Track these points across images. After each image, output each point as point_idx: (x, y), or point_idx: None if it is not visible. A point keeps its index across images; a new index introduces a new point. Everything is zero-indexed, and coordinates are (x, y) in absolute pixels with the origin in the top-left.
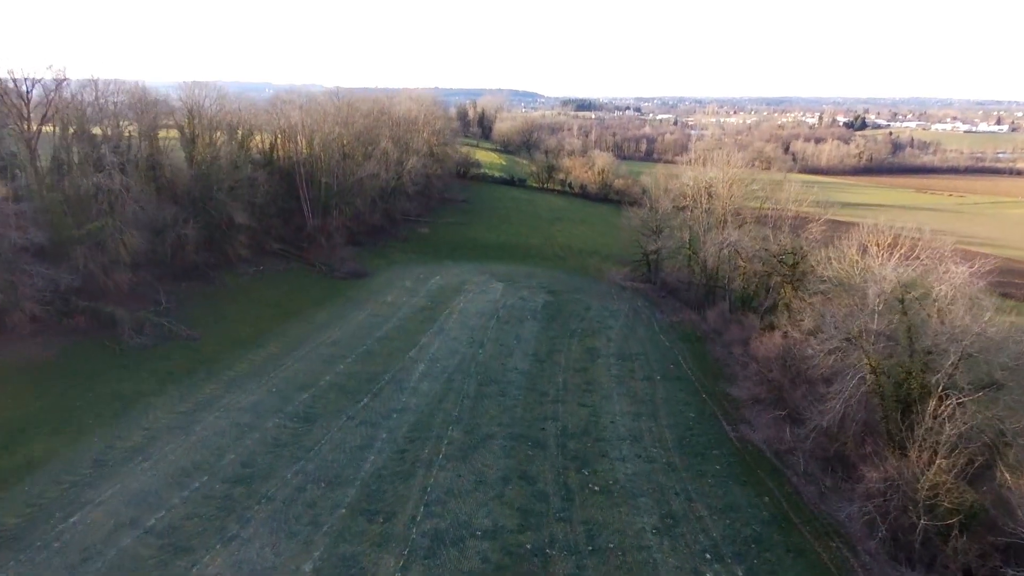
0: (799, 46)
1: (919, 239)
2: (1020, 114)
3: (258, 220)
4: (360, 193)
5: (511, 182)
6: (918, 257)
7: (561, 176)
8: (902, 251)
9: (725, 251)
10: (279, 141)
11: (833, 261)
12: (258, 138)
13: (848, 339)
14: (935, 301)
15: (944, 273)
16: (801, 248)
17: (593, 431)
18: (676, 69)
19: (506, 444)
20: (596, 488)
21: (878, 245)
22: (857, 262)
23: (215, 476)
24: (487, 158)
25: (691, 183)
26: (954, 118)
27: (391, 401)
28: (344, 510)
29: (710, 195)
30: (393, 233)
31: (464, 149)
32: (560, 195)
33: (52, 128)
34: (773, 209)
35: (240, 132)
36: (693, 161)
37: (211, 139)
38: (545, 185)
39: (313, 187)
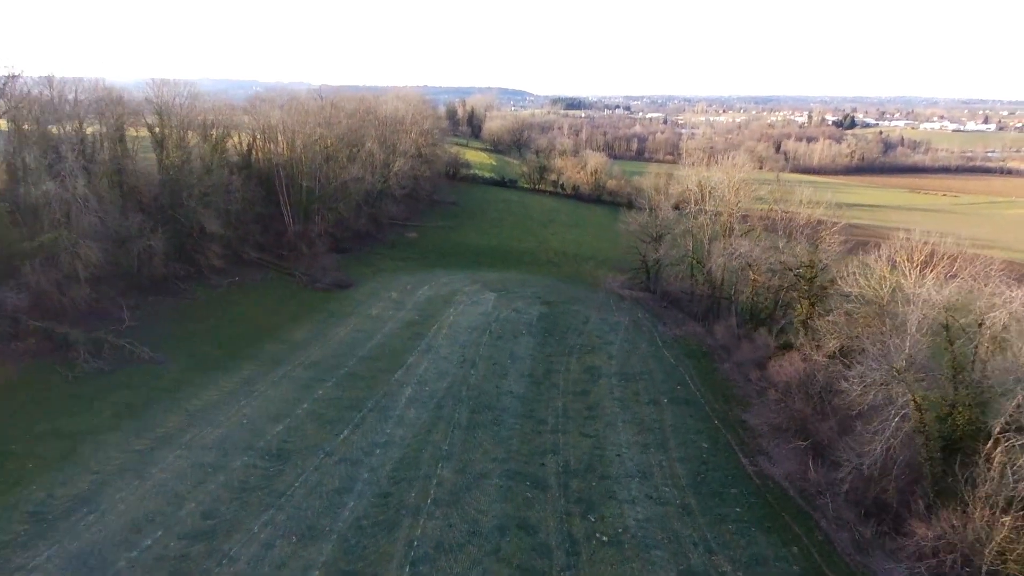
0: (786, 45)
1: (958, 254)
2: (1005, 113)
3: (234, 227)
4: (344, 197)
5: (502, 183)
6: (957, 275)
7: (553, 177)
8: (939, 267)
9: (735, 263)
10: (258, 143)
11: (858, 276)
12: (235, 139)
13: (892, 372)
14: (987, 328)
15: (994, 295)
16: (820, 260)
17: (598, 466)
18: (665, 68)
19: (502, 484)
20: (604, 539)
21: (910, 260)
22: (885, 278)
23: (170, 531)
24: (477, 158)
25: (694, 187)
26: (941, 117)
27: (374, 433)
28: (318, 573)
29: (714, 199)
30: (379, 239)
31: (453, 149)
32: (552, 196)
33: (6, 127)
34: (783, 214)
35: (215, 133)
36: (696, 163)
37: (181, 141)
38: (537, 186)
39: (294, 191)
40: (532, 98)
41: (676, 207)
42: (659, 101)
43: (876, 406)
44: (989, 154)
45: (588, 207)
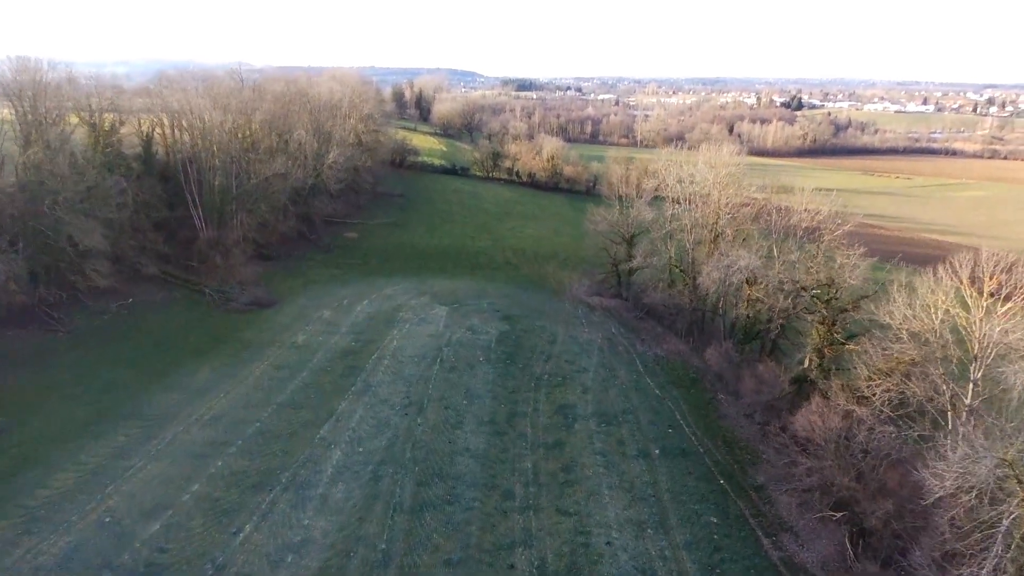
0: (732, 28)
1: None
2: (939, 94)
3: (129, 236)
4: (267, 195)
5: (453, 171)
6: None
7: (507, 164)
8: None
9: (733, 278)
10: (160, 133)
11: (899, 304)
12: (137, 128)
13: (1001, 465)
14: None
15: None
16: (841, 278)
17: (584, 565)
18: (614, 49)
19: None
20: None
21: (977, 290)
22: (945, 311)
23: None
24: (426, 143)
25: (672, 181)
26: (881, 98)
27: (287, 527)
28: None
29: (697, 196)
30: (313, 241)
31: (400, 134)
32: (507, 185)
33: None
34: (781, 212)
35: (105, 122)
36: (659, 147)
37: (42, 135)
38: (490, 174)
39: (205, 190)
40: (483, 79)
41: (652, 203)
42: (609, 83)
43: (973, 507)
44: (933, 135)
45: (546, 196)
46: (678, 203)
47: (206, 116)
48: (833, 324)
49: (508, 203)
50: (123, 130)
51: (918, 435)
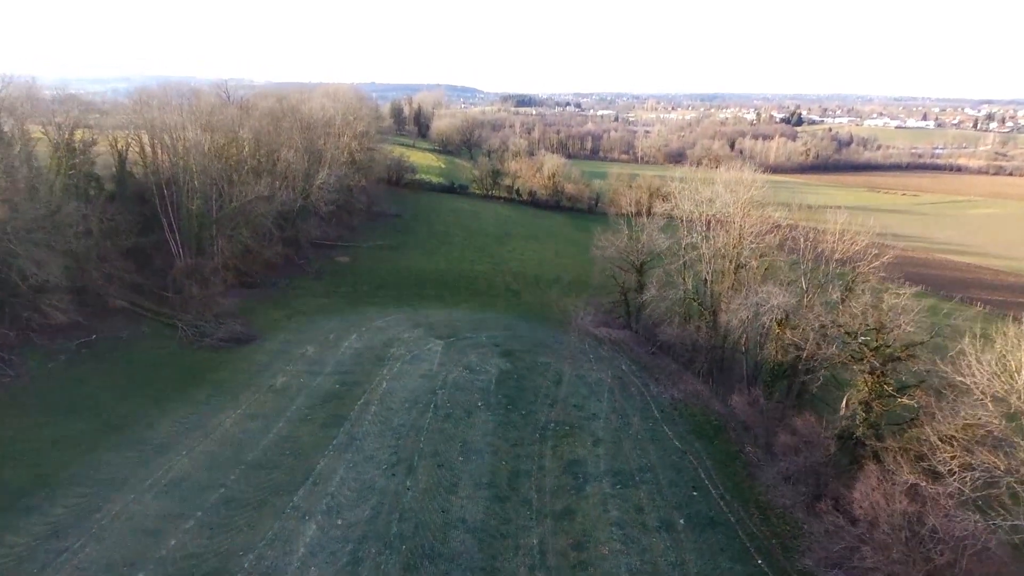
0: (730, 44)
1: None
2: (937, 109)
3: (97, 264)
4: (250, 219)
5: (452, 189)
6: None
7: (507, 182)
8: None
9: (764, 317)
10: (139, 152)
11: (972, 358)
12: (107, 148)
13: None
14: None
15: None
16: (894, 322)
17: None
18: (612, 65)
19: None
20: None
21: None
22: None
23: None
24: (424, 160)
25: (689, 206)
26: (880, 114)
27: None
28: None
29: (718, 224)
30: (301, 267)
31: (397, 151)
32: (507, 204)
33: None
34: (806, 240)
35: (76, 140)
36: (688, 169)
37: None
38: (490, 192)
39: (182, 214)
40: (482, 95)
41: (666, 223)
42: (608, 98)
43: None
44: (936, 151)
45: (547, 215)
46: (694, 229)
47: (186, 134)
48: (883, 375)
49: (508, 223)
50: (96, 149)
51: (1011, 525)
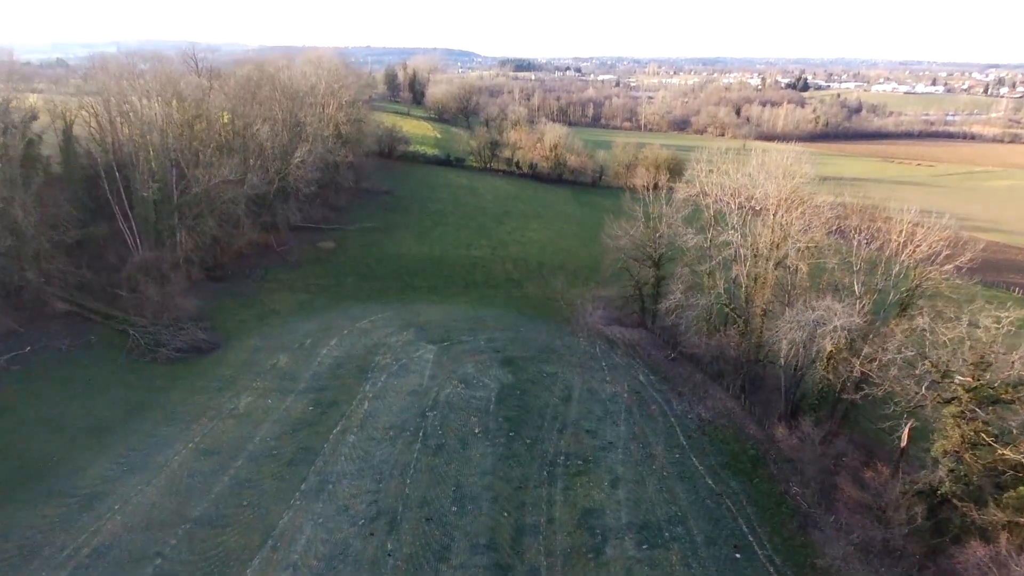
0: (731, 6)
1: None
2: (944, 74)
3: (30, 260)
4: (216, 206)
5: (448, 162)
6: None
7: (507, 153)
8: None
9: (825, 341)
10: (89, 127)
11: None
12: (51, 121)
13: None
14: None
15: None
16: (1005, 360)
17: None
18: (613, 28)
19: None
20: None
21: None
22: None
23: None
24: (419, 130)
25: (719, 193)
26: (887, 78)
27: None
28: None
29: (755, 213)
30: (279, 255)
31: (389, 120)
32: (506, 177)
33: None
34: (856, 233)
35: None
36: (716, 144)
37: None
38: (488, 165)
39: (137, 201)
40: (480, 59)
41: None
42: (608, 63)
43: None
44: (948, 118)
45: (549, 189)
46: (724, 221)
47: (142, 107)
48: (980, 420)
49: (508, 199)
50: (39, 123)
51: None
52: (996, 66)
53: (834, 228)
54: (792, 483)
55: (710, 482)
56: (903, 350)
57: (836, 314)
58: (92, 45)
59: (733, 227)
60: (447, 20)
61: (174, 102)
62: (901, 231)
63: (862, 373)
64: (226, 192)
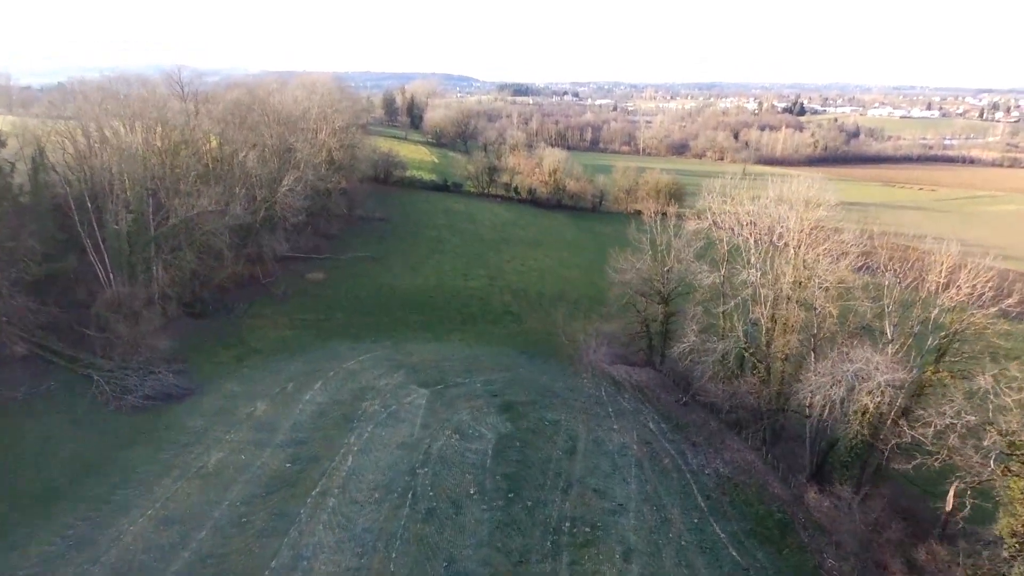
0: (727, 33)
1: None
2: (937, 98)
3: None
4: (195, 238)
5: (445, 187)
6: None
7: (505, 179)
8: None
9: (868, 402)
10: (65, 154)
11: None
12: (19, 148)
13: None
14: None
15: None
16: None
17: None
18: (609, 54)
19: None
20: None
21: None
22: None
23: None
24: (416, 155)
25: (734, 223)
26: (882, 103)
27: None
28: None
29: (775, 250)
30: (265, 287)
31: (386, 145)
32: (505, 203)
33: None
34: (886, 268)
35: None
36: (730, 182)
37: None
38: (486, 190)
39: (110, 234)
40: (478, 84)
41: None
42: (605, 87)
43: None
44: (946, 142)
45: (548, 215)
46: (739, 256)
47: (118, 133)
48: None
49: (506, 226)
50: (7, 149)
51: None
52: (989, 91)
53: (861, 265)
54: (827, 555)
55: (734, 553)
56: (963, 414)
57: (878, 367)
58: (95, 70)
59: (751, 264)
60: (446, 46)
61: (158, 128)
62: (941, 271)
63: (912, 438)
64: (207, 223)
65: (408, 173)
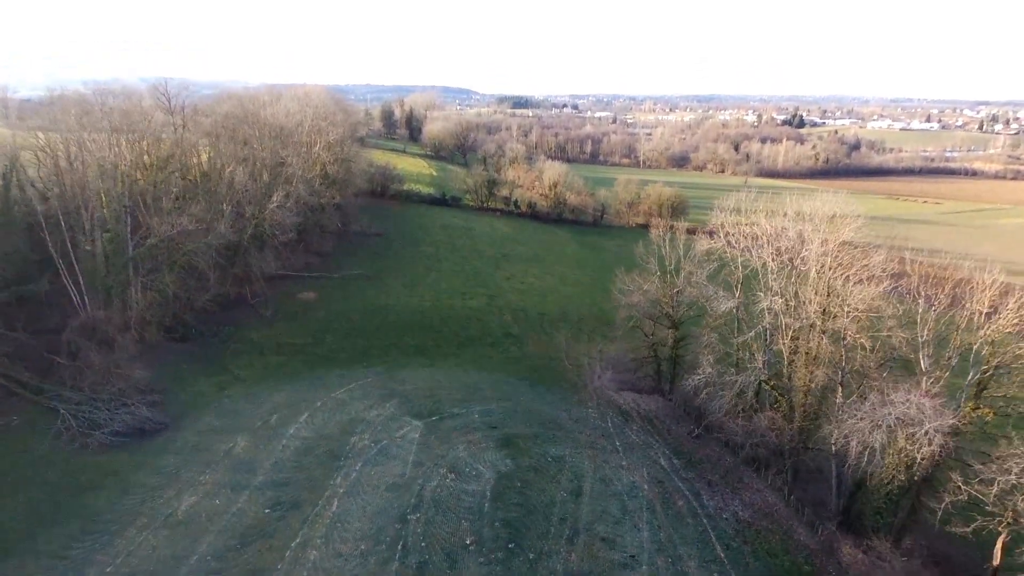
0: (725, 45)
1: None
2: (936, 111)
3: None
4: (176, 259)
5: (443, 201)
6: None
7: (504, 192)
8: None
9: (916, 453)
10: (43, 170)
11: None
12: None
13: None
14: None
15: None
16: None
17: None
18: (608, 66)
19: None
20: None
21: None
22: None
23: None
24: (414, 168)
25: (749, 244)
26: (881, 115)
27: None
28: None
29: (797, 275)
30: (253, 307)
31: (383, 158)
32: (504, 217)
33: None
34: (917, 296)
35: None
36: (744, 203)
37: None
38: (485, 204)
39: (83, 256)
40: (478, 96)
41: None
42: (604, 100)
43: None
44: (948, 154)
45: (548, 230)
46: (754, 279)
47: (94, 147)
48: None
49: (506, 241)
50: None
51: None
52: (986, 103)
53: (891, 290)
54: None
55: None
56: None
57: (924, 411)
58: (96, 82)
59: (770, 289)
60: (446, 59)
61: (141, 143)
62: (984, 300)
63: (968, 496)
64: (189, 242)
65: (406, 186)
